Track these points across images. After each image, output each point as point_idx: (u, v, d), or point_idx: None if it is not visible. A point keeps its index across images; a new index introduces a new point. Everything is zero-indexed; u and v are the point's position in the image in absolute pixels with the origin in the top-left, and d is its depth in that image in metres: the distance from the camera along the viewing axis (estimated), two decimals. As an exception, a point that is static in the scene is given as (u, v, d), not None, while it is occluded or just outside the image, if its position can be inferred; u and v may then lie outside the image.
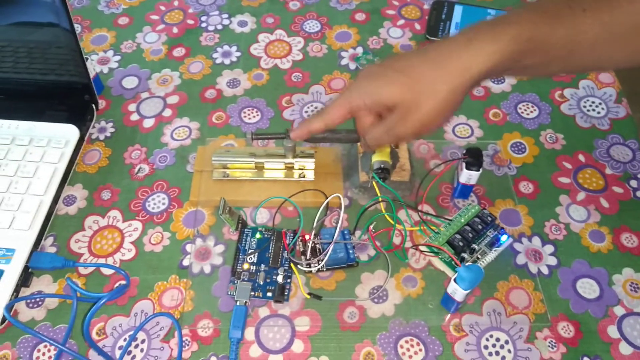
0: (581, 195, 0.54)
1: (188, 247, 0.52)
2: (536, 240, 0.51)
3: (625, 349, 0.45)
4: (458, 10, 0.70)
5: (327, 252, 0.47)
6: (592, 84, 0.64)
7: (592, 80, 0.64)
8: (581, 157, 0.57)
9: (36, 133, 0.57)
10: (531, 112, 0.61)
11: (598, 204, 0.54)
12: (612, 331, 0.46)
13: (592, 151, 0.58)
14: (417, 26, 0.70)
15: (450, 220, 0.51)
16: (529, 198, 0.54)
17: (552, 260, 0.50)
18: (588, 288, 0.48)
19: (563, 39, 0.40)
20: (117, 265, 0.51)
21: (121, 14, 0.73)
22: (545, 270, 0.49)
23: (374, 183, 0.51)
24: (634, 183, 0.55)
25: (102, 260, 0.51)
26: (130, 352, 0.46)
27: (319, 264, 0.47)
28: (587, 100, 0.62)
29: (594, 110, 0.61)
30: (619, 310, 0.47)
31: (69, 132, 0.58)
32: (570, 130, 0.60)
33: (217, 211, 0.53)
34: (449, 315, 0.47)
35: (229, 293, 0.47)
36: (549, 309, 0.47)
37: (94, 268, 0.50)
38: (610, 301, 0.48)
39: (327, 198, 0.51)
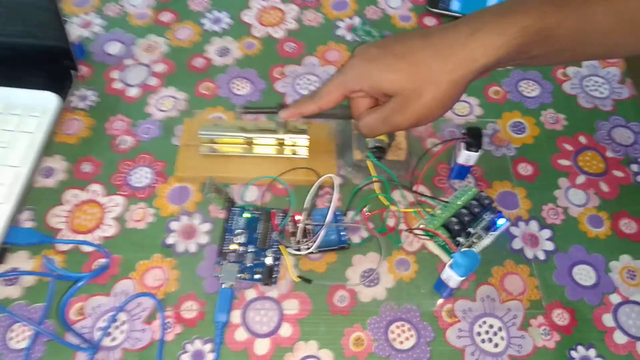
0: (581, 179, 0.53)
1: (173, 225, 0.49)
2: (533, 225, 0.50)
3: (620, 337, 0.44)
4: (461, -20, 0.67)
5: (319, 236, 0.45)
6: (596, 62, 0.61)
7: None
8: (582, 139, 0.55)
9: (11, 100, 0.54)
10: (532, 90, 0.59)
11: (598, 188, 0.52)
12: (608, 319, 0.45)
13: (593, 133, 0.56)
14: (417, -4, 0.67)
15: (447, 202, 0.49)
16: (527, 180, 0.52)
17: (549, 246, 0.49)
18: (584, 275, 0.47)
19: (574, 29, 0.38)
20: (98, 242, 0.48)
21: (104, -27, 0.69)
22: (541, 256, 0.48)
23: (368, 162, 0.49)
24: (634, 167, 0.53)
25: (81, 237, 0.49)
26: (110, 334, 0.44)
27: (309, 248, 0.45)
28: (590, 80, 0.60)
29: (596, 90, 0.59)
30: (614, 298, 0.46)
31: (47, 100, 0.54)
32: (572, 110, 0.57)
33: (203, 188, 0.50)
34: (441, 301, 0.46)
35: (215, 275, 0.45)
36: (544, 296, 0.46)
37: (73, 245, 0.48)
38: (606, 288, 0.47)
39: (319, 177, 0.48)
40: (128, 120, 0.56)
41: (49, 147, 0.54)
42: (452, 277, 0.42)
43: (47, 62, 0.56)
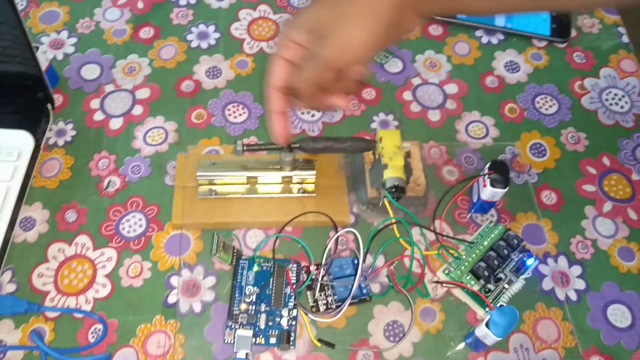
0: (608, 206, 0.50)
1: (173, 280, 0.45)
2: (562, 261, 0.47)
3: (661, 384, 0.42)
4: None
5: (344, 306, 0.41)
6: (614, 72, 0.58)
7: (614, 69, 0.58)
8: (606, 161, 0.52)
9: (-20, 143, 0.48)
10: (550, 106, 0.55)
11: (626, 215, 0.49)
12: (647, 364, 0.43)
13: (617, 153, 0.53)
14: (420, 2, 0.62)
15: (471, 242, 0.45)
16: (552, 210, 0.49)
17: (580, 284, 0.46)
18: (619, 315, 0.45)
19: None
20: (91, 304, 0.43)
21: (74, -17, 0.62)
22: (573, 296, 0.45)
23: (385, 202, 0.45)
24: (662, 189, 0.51)
25: (72, 299, 0.44)
26: (113, 412, 0.39)
27: (333, 310, 0.41)
28: (609, 93, 0.56)
29: (616, 104, 0.56)
30: (653, 340, 0.44)
31: (21, 140, 0.49)
32: (593, 128, 0.54)
33: (206, 235, 0.46)
34: (472, 353, 0.42)
35: (226, 341, 0.41)
36: (580, 342, 0.43)
37: (60, 313, 0.43)
38: (644, 330, 0.44)
39: (333, 223, 0.44)
40: (113, 157, 0.50)
41: (28, 194, 0.48)
42: (489, 336, 0.39)
43: (18, 96, 0.50)
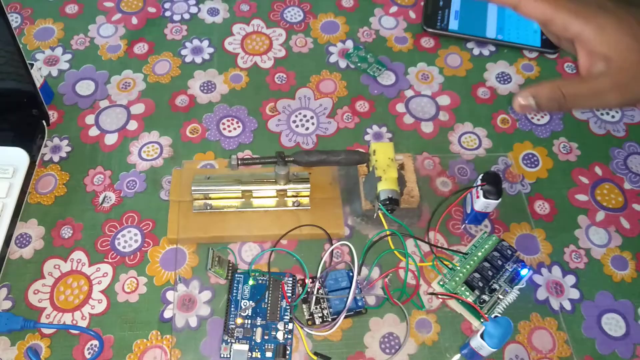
0: (600, 215, 0.50)
1: (169, 295, 0.45)
2: (556, 271, 0.47)
3: (655, 392, 0.42)
4: (457, -4, 0.63)
5: (340, 319, 0.41)
6: (604, 82, 0.58)
7: (604, 78, 0.58)
8: (598, 170, 0.53)
9: (-25, 160, 0.48)
10: (542, 117, 0.56)
11: (618, 224, 0.50)
12: (641, 372, 0.43)
13: (608, 162, 0.53)
14: (412, 14, 0.63)
15: (465, 254, 0.46)
16: (545, 220, 0.49)
17: (575, 294, 0.46)
18: (614, 324, 0.45)
19: None
20: (87, 320, 0.43)
21: (69, 0, 0.63)
22: (567, 306, 0.45)
23: (380, 214, 0.45)
24: (653, 198, 0.51)
25: (68, 315, 0.44)
26: None
27: (324, 310, 0.41)
28: (600, 102, 0.57)
29: (608, 113, 0.56)
30: (647, 348, 0.44)
31: (16, 157, 0.49)
32: (585, 137, 0.55)
33: (202, 249, 0.46)
34: (468, 364, 0.43)
35: (222, 355, 0.41)
36: (575, 351, 0.43)
37: (56, 330, 0.43)
38: (637, 338, 0.44)
39: (328, 237, 0.44)
40: (108, 173, 0.51)
41: (23, 210, 0.48)
42: (484, 347, 0.39)
43: (14, 112, 0.51)
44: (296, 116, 0.55)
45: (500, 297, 0.44)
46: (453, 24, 0.61)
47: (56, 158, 0.51)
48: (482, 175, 0.45)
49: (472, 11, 0.62)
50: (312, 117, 0.55)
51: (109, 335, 0.43)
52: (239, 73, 0.58)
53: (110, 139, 0.53)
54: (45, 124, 0.52)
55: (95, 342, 0.43)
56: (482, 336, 0.39)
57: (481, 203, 0.45)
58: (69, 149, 0.52)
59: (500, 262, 0.45)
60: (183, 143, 0.53)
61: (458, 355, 0.43)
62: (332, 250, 0.45)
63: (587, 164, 0.53)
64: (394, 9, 0.63)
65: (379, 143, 0.47)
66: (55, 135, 0.53)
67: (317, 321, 0.42)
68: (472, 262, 0.45)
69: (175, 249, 0.47)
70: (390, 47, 0.60)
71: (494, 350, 0.39)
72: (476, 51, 0.60)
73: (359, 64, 0.58)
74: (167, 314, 0.44)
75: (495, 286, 0.44)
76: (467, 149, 0.53)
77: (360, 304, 0.43)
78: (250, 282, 0.44)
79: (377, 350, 0.43)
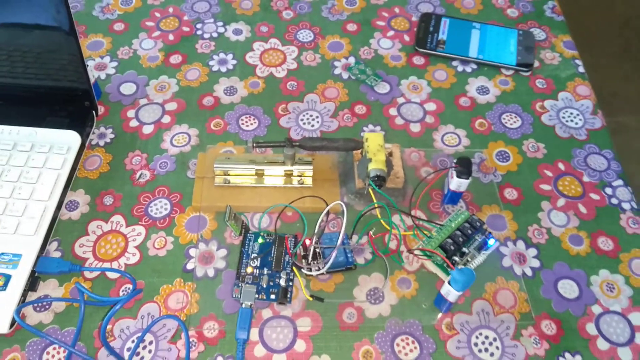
0: (561, 202, 0.58)
1: (192, 252, 0.53)
2: (520, 244, 0.55)
3: (602, 344, 0.49)
4: (445, 23, 0.74)
5: (331, 258, 0.49)
6: (570, 95, 0.68)
7: (570, 93, 0.68)
8: (561, 166, 0.61)
9: (38, 139, 0.58)
10: (514, 122, 0.65)
11: (577, 209, 0.58)
12: (591, 328, 0.50)
13: (570, 160, 0.62)
14: (406, 37, 0.73)
15: (442, 225, 0.54)
16: (513, 204, 0.58)
17: (535, 263, 0.54)
18: (568, 289, 0.52)
19: None
20: (123, 269, 0.52)
21: (116, 19, 0.74)
22: (529, 272, 0.53)
23: (370, 190, 0.54)
24: (609, 190, 0.59)
25: (107, 265, 0.52)
26: (138, 354, 0.47)
27: (322, 268, 0.50)
28: (566, 112, 0.66)
29: (572, 121, 0.65)
30: (596, 309, 0.51)
31: (70, 139, 0.59)
32: (551, 139, 0.63)
33: (220, 216, 0.55)
34: (440, 315, 0.50)
35: (234, 296, 0.49)
36: (533, 309, 0.51)
37: (99, 272, 0.52)
38: (588, 301, 0.52)
39: (326, 204, 0.53)
40: (145, 156, 0.61)
41: (73, 182, 0.58)
42: (450, 292, 0.47)
43: (70, 103, 0.61)
44: (304, 115, 0.65)
45: (469, 259, 0.52)
46: (441, 46, 0.71)
47: (102, 143, 0.62)
48: (456, 159, 0.54)
49: (457, 35, 0.72)
50: (317, 117, 0.65)
51: (140, 280, 0.52)
52: (257, 80, 0.68)
53: (147, 129, 0.63)
54: (94, 114, 0.62)
55: (129, 285, 0.51)
56: (449, 283, 0.47)
57: (455, 182, 0.54)
58: (112, 136, 0.62)
59: (470, 232, 0.53)
60: (207, 134, 0.63)
61: (431, 307, 0.50)
62: (328, 213, 0.53)
63: (552, 161, 0.61)
64: (390, 33, 0.74)
65: (371, 133, 0.56)
66: (102, 125, 0.63)
67: (315, 274, 0.51)
68: (446, 231, 0.53)
69: (199, 216, 0.56)
70: (386, 63, 0.71)
71: (459, 293, 0.46)
72: (460, 68, 0.70)
73: (358, 75, 0.69)
74: (190, 266, 0.53)
75: (466, 250, 0.52)
76: (449, 146, 0.62)
77: (350, 260, 0.51)
78: (260, 240, 0.53)
79: (363, 300, 0.51)
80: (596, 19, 1.62)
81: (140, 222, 0.55)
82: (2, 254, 0.51)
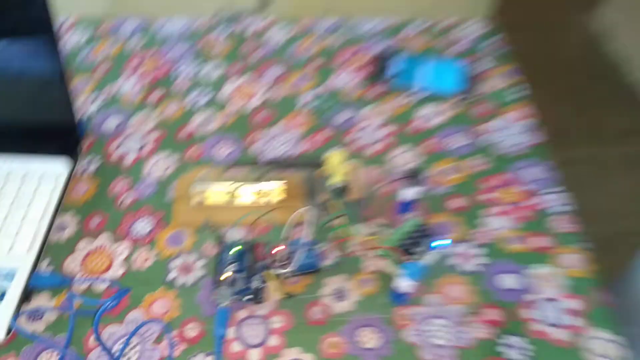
0: (501, 209, 0.66)
1: (173, 264, 0.59)
2: (466, 245, 0.62)
3: (538, 326, 0.56)
4: (399, 59, 0.83)
5: (296, 257, 0.56)
6: (510, 117, 0.76)
7: (509, 115, 0.77)
8: (501, 178, 0.69)
9: (30, 167, 0.64)
10: (459, 142, 0.73)
11: (516, 214, 0.65)
12: (528, 314, 0.57)
13: (510, 173, 0.70)
14: (364, 72, 0.82)
15: (397, 229, 0.61)
16: (459, 212, 0.65)
17: (480, 260, 0.61)
18: (509, 281, 0.59)
19: None
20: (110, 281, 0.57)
21: (102, 62, 0.82)
22: (475, 268, 0.60)
23: (331, 202, 0.61)
24: (545, 197, 0.67)
25: (95, 278, 0.58)
26: (125, 354, 0.52)
27: (290, 268, 0.56)
28: (507, 131, 0.75)
29: (512, 139, 0.74)
30: (532, 297, 0.58)
31: (60, 166, 0.65)
32: (492, 156, 0.72)
33: (198, 230, 0.61)
34: (397, 308, 0.56)
35: (212, 299, 0.55)
36: (478, 299, 0.57)
37: (88, 284, 0.57)
38: (525, 290, 0.59)
39: (293, 213, 0.60)
40: (128, 181, 0.67)
41: (63, 205, 0.63)
42: (405, 283, 0.53)
43: (60, 135, 0.67)
44: (275, 140, 0.72)
45: (421, 257, 0.59)
46: (393, 80, 0.80)
47: (89, 170, 0.68)
48: (406, 173, 0.62)
49: (407, 71, 0.81)
50: (286, 141, 0.72)
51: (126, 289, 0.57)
52: (230, 112, 0.76)
53: (130, 158, 0.69)
54: (82, 144, 0.69)
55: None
56: (405, 274, 0.53)
57: (406, 193, 0.61)
58: (98, 164, 0.68)
59: (422, 235, 0.60)
60: (186, 160, 0.69)
61: (389, 301, 0.57)
62: (296, 222, 0.60)
63: (494, 174, 0.70)
64: (350, 68, 0.83)
65: (333, 152, 0.64)
66: (89, 154, 0.69)
67: (285, 276, 0.57)
68: (401, 234, 0.60)
69: (178, 232, 0.62)
70: (346, 94, 0.79)
71: (413, 283, 0.53)
72: (411, 97, 0.79)
73: (322, 106, 0.77)
74: (171, 276, 0.58)
75: (418, 249, 0.59)
76: (402, 164, 0.70)
77: (317, 263, 0.58)
78: (235, 248, 0.59)
79: (330, 298, 0.57)
80: (542, 60, 1.76)
81: (125, 240, 0.61)
82: (-1, 270, 0.56)
